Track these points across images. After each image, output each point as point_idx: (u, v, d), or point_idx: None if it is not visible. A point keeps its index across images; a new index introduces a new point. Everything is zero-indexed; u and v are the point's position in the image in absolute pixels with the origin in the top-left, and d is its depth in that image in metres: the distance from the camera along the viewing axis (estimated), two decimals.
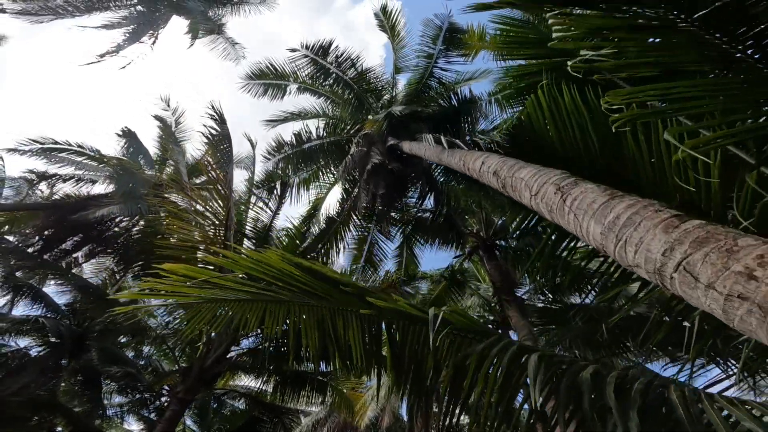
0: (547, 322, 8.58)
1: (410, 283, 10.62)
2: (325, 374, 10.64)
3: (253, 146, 9.36)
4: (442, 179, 7.85)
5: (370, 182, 6.46)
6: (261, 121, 9.56)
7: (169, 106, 10.87)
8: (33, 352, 9.91)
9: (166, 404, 11.98)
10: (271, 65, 8.33)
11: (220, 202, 6.31)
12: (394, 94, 9.28)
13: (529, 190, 2.37)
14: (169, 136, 10.51)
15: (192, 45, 10.93)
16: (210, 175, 6.32)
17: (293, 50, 7.97)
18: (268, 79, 8.48)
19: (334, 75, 8.06)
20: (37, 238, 8.63)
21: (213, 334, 8.87)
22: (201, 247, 8.03)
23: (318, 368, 10.43)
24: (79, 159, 9.68)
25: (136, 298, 3.29)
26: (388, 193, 6.79)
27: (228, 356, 9.24)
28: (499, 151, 3.54)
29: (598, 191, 1.92)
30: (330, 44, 7.98)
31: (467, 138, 6.56)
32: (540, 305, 9.14)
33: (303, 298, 2.55)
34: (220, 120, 6.75)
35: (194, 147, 13.76)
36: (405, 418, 14.92)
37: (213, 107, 6.72)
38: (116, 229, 9.49)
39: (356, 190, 6.97)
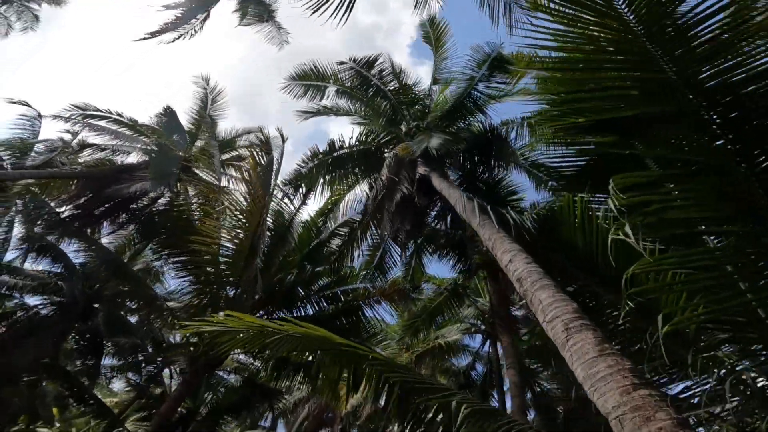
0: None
1: (414, 291, 11.46)
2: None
3: (284, 140, 9.99)
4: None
5: (396, 216, 7.12)
6: (295, 112, 10.15)
7: (208, 84, 11.46)
8: (44, 312, 10.89)
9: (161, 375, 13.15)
10: (315, 67, 8.87)
11: (251, 217, 7.02)
12: (428, 104, 9.79)
13: (543, 314, 3.03)
14: (204, 114, 11.14)
15: (239, 24, 11.29)
16: (248, 194, 6.93)
17: (341, 63, 8.58)
18: (310, 81, 9.04)
19: (375, 87, 8.61)
20: (70, 205, 9.34)
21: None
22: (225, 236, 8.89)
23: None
24: (117, 128, 10.27)
25: (206, 329, 4.06)
26: (412, 229, 7.47)
27: None
28: (525, 235, 4.20)
29: (593, 344, 2.59)
30: (376, 59, 8.64)
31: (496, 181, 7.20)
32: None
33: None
34: (267, 147, 7.35)
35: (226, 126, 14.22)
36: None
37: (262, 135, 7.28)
38: (143, 201, 10.17)
39: (377, 193, 7.49)
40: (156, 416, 7.97)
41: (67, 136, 10.18)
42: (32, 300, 10.74)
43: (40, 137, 9.75)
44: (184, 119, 11.57)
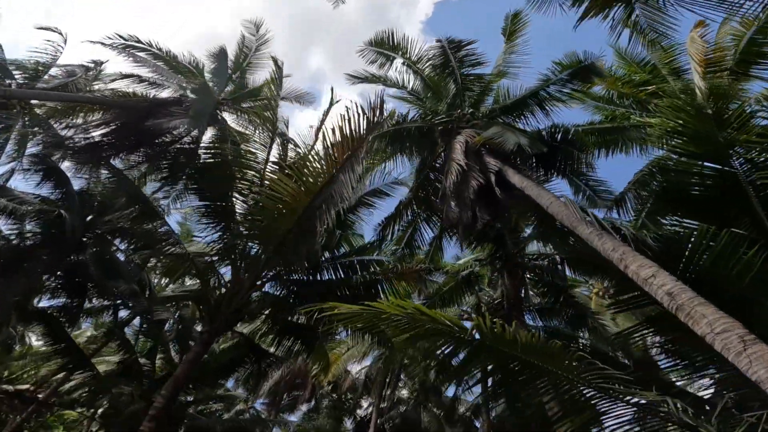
0: None
1: (432, 273, 11.97)
2: (317, 331, 11.99)
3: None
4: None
5: (474, 205, 7.40)
6: (344, 74, 10.04)
7: (257, 32, 10.88)
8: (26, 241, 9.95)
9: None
10: (391, 36, 8.81)
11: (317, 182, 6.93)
12: (487, 94, 10.14)
13: (711, 327, 3.58)
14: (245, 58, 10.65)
15: None
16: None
17: (438, 40, 8.65)
18: (383, 48, 8.95)
19: (450, 68, 8.70)
20: (96, 132, 8.56)
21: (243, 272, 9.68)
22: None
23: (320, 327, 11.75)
24: (156, 62, 9.52)
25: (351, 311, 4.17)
26: (490, 218, 7.82)
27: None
28: (647, 252, 4.72)
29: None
30: (470, 43, 8.78)
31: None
32: None
33: None
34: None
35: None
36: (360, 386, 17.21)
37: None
38: (171, 138, 9.58)
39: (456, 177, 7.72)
40: (172, 379, 7.80)
41: (91, 65, 9.39)
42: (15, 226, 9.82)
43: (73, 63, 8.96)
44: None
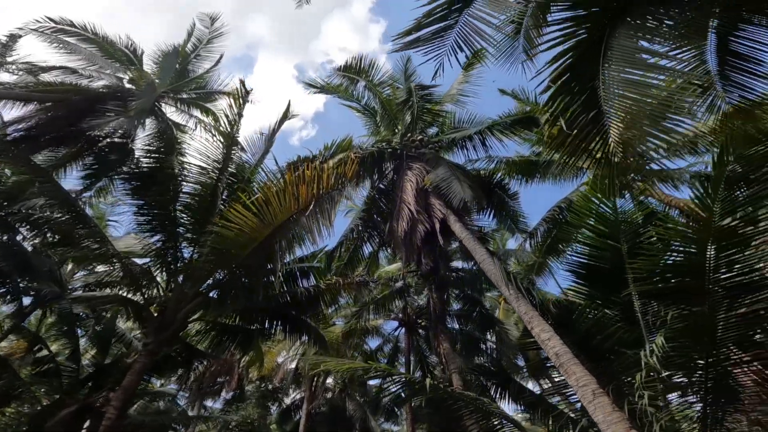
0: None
1: (368, 285, 13.32)
2: (253, 332, 12.81)
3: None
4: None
5: (420, 250, 8.75)
6: (302, 83, 10.78)
7: (211, 25, 10.50)
8: None
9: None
10: (357, 62, 9.73)
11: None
12: (434, 130, 11.52)
13: (577, 381, 5.35)
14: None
15: None
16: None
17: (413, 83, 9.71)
18: (349, 72, 9.89)
19: (410, 103, 9.96)
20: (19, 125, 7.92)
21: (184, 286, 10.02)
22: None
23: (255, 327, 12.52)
24: (90, 48, 8.83)
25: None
26: (434, 267, 9.24)
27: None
28: (546, 316, 6.52)
29: (609, 403, 5.05)
30: (434, 86, 10.01)
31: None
32: None
33: None
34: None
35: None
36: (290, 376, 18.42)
37: None
38: (103, 134, 9.28)
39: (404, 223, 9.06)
40: (121, 390, 8.19)
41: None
42: None
43: None
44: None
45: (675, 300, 5.14)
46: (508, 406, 13.55)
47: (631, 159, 5.21)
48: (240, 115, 8.43)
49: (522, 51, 6.33)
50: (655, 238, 5.74)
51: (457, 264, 14.19)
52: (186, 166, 10.10)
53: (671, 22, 5.55)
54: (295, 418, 18.97)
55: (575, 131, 4.58)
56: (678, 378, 5.27)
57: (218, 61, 12.50)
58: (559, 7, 5.68)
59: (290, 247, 8.05)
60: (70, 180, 10.65)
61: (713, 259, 4.68)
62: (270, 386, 18.52)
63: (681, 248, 4.96)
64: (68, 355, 11.53)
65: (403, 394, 6.25)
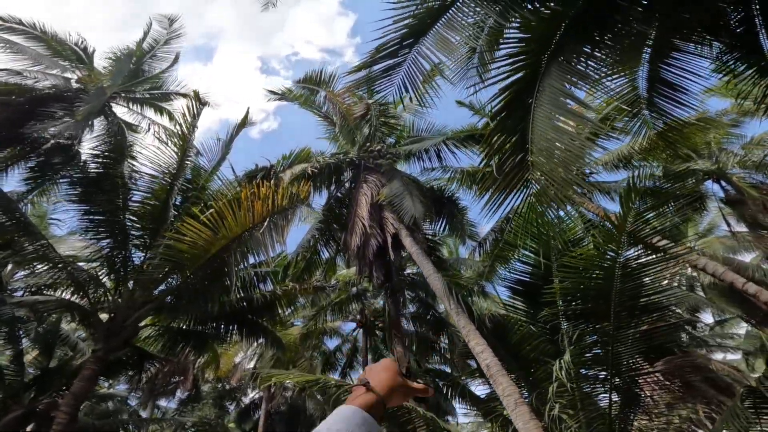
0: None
1: (325, 289, 13.62)
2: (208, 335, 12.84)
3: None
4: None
5: (372, 264, 9.15)
6: (264, 90, 10.83)
7: (170, 26, 10.30)
8: None
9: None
10: (318, 75, 9.96)
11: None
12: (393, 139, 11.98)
13: (503, 391, 5.95)
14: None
15: None
16: None
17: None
18: (309, 84, 10.10)
19: (369, 118, 10.32)
20: None
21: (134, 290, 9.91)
22: None
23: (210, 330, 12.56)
24: (40, 48, 8.48)
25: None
26: (384, 279, 9.68)
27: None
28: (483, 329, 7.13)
29: (528, 411, 5.67)
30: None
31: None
32: None
33: None
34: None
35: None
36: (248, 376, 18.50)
37: None
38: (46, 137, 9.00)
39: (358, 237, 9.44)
40: (70, 396, 8.14)
41: None
42: None
43: None
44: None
45: (587, 318, 5.83)
46: (459, 405, 14.38)
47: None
48: (194, 126, 8.44)
49: (476, 74, 6.71)
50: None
51: (413, 269, 14.75)
52: (137, 171, 10.01)
53: (606, 51, 6.01)
54: (254, 417, 19.09)
55: (504, 173, 5.04)
56: (588, 387, 5.98)
57: (175, 61, 12.31)
58: (506, 43, 5.97)
59: (244, 258, 8.19)
60: (12, 182, 10.12)
61: (619, 285, 5.35)
62: (227, 386, 18.47)
63: (594, 275, 5.60)
64: (11, 359, 11.12)
65: None
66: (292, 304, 12.19)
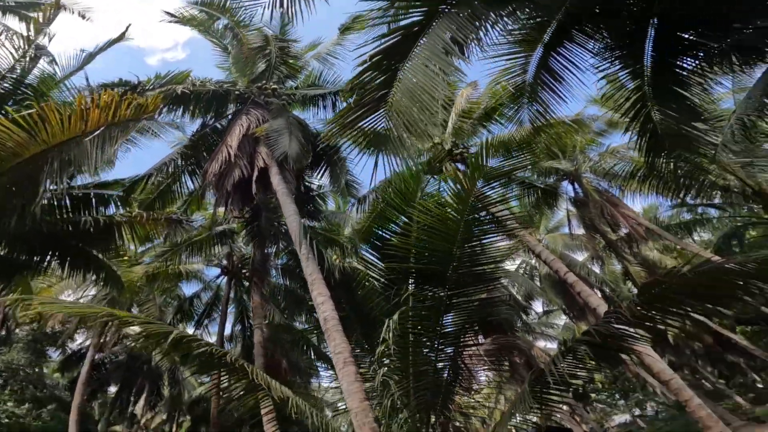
0: None
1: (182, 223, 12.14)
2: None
3: None
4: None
5: (229, 196, 8.09)
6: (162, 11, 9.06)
7: None
8: None
9: None
10: None
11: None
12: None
13: (334, 347, 5.68)
14: None
15: None
16: None
17: None
18: (210, 9, 9.24)
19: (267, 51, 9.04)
20: None
21: None
22: None
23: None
24: None
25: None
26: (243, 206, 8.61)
27: None
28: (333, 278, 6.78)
29: (354, 372, 5.51)
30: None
31: None
32: None
33: None
34: None
35: None
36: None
37: None
38: None
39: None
40: None
41: None
42: None
43: None
44: None
45: (428, 280, 5.79)
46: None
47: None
48: (42, 30, 6.58)
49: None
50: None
51: None
52: None
53: (514, 26, 5.82)
54: (80, 367, 16.78)
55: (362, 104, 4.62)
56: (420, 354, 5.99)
57: None
58: None
59: (65, 169, 6.62)
60: None
61: (458, 252, 5.36)
62: (50, 329, 15.72)
63: (437, 233, 5.50)
64: None
65: None
66: (143, 239, 10.54)
